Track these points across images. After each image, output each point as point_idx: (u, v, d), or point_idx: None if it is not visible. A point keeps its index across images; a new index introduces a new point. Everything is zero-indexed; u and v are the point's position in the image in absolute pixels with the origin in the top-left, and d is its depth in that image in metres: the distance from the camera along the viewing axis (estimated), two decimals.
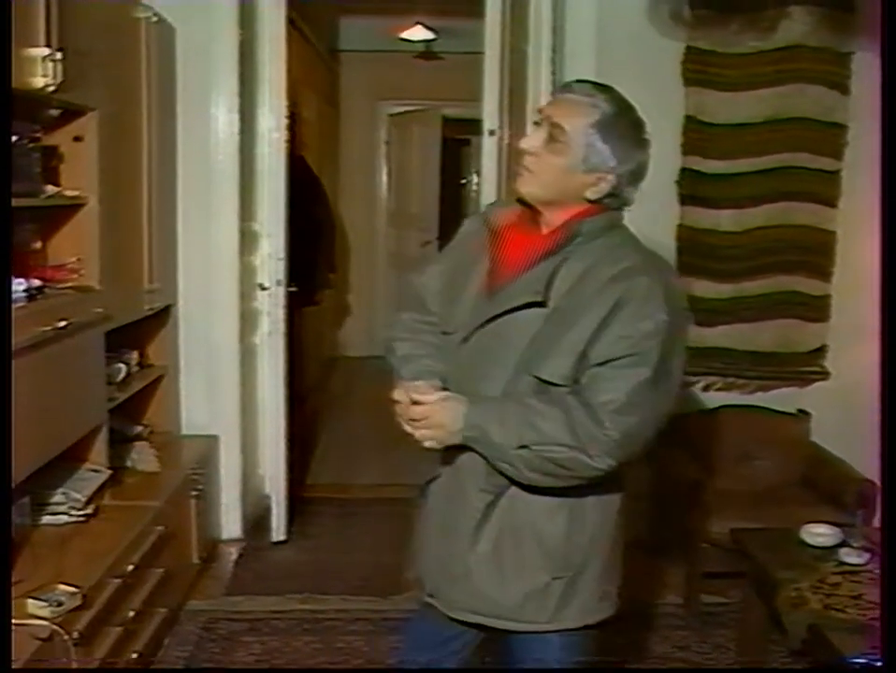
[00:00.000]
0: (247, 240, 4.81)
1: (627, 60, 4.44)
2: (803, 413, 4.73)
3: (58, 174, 3.43)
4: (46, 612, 2.70)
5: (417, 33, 8.61)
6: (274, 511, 4.85)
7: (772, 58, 4.58)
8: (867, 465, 3.98)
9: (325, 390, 8.40)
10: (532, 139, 2.14)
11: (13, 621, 2.54)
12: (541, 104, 4.55)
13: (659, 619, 4.09)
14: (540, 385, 2.07)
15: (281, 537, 4.86)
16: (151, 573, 3.55)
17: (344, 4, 8.20)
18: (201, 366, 4.79)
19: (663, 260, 2.23)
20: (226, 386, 4.80)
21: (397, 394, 2.20)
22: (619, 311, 1.99)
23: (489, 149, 4.55)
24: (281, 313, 4.77)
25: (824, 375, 4.83)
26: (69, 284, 3.42)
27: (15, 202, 2.82)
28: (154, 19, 4.11)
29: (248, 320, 4.89)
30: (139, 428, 4.36)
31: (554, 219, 2.16)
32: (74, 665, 2.76)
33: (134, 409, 4.31)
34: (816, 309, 4.78)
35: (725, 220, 4.66)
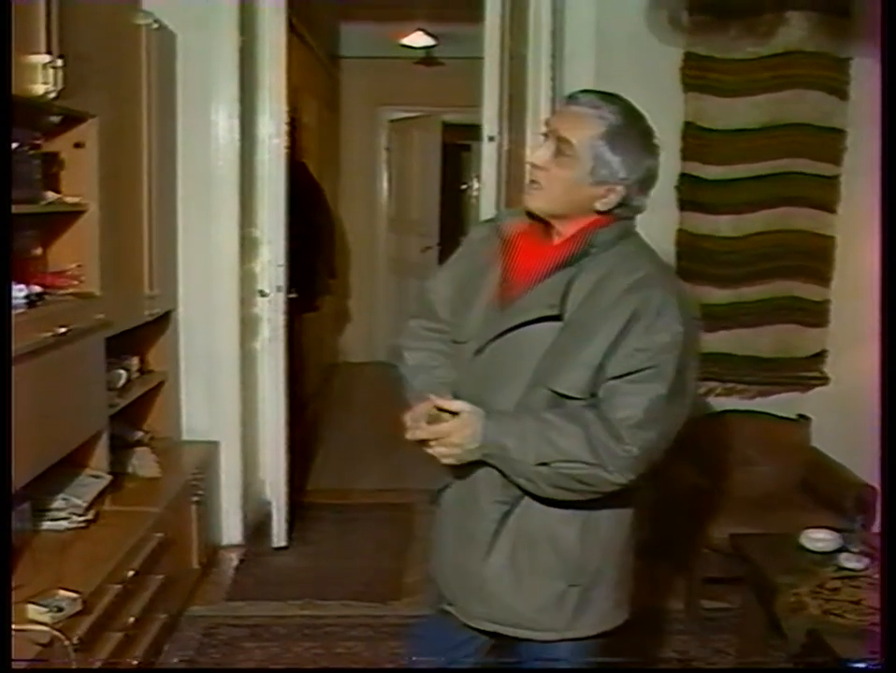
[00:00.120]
0: (247, 246, 4.82)
1: (626, 65, 4.45)
2: (803, 418, 4.73)
3: (58, 180, 3.44)
4: (46, 618, 2.70)
5: (418, 39, 8.64)
6: (274, 517, 4.85)
7: (770, 63, 4.58)
8: (867, 470, 3.98)
9: (326, 395, 8.40)
10: (540, 153, 2.12)
11: (14, 626, 2.54)
12: (541, 109, 4.68)
13: (660, 624, 4.09)
14: (555, 398, 2.07)
15: (282, 543, 4.86)
16: (151, 579, 3.55)
17: (345, 10, 8.22)
18: (201, 372, 4.79)
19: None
20: (227, 392, 4.81)
21: (415, 414, 2.17)
22: (635, 324, 1.99)
23: (489, 154, 4.55)
24: (281, 319, 4.77)
25: (824, 380, 4.83)
26: (70, 290, 3.43)
27: (16, 208, 2.83)
28: (155, 25, 4.11)
29: (248, 326, 4.89)
30: (140, 434, 4.37)
31: (565, 230, 2.16)
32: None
33: (134, 415, 4.31)
34: (815, 315, 4.77)
35: (724, 225, 4.66)
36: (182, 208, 4.65)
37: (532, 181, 2.15)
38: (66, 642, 2.70)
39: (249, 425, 4.97)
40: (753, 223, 4.66)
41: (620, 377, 2.00)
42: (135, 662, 3.32)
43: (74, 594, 2.84)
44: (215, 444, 4.78)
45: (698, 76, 4.60)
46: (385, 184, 9.95)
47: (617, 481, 2.02)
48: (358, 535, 5.15)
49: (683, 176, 4.62)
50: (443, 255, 8.60)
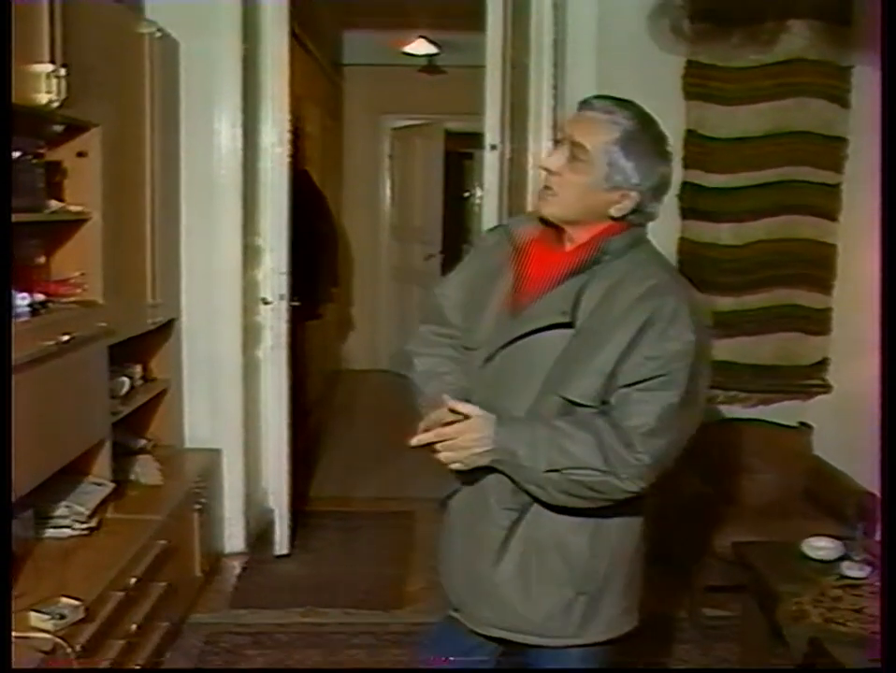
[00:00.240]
0: (250, 255, 4.83)
1: (627, 74, 4.44)
2: (805, 426, 4.73)
3: (62, 189, 3.46)
4: (49, 625, 2.71)
5: (420, 47, 8.66)
6: (277, 525, 4.85)
7: (772, 72, 4.59)
8: (869, 478, 3.98)
9: (329, 403, 8.41)
10: (554, 158, 2.12)
11: (17, 634, 2.55)
12: (543, 118, 4.69)
13: (661, 632, 4.09)
14: (566, 405, 2.06)
15: (284, 551, 4.86)
16: (153, 586, 3.55)
17: (347, 17, 8.25)
18: (204, 380, 4.80)
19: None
20: (229, 400, 4.82)
21: (429, 421, 2.16)
22: (647, 331, 1.99)
23: (491, 163, 4.56)
24: (283, 327, 4.77)
25: (826, 388, 4.83)
26: (73, 299, 3.44)
27: (19, 217, 2.84)
28: (158, 34, 4.13)
29: (251, 334, 4.90)
30: (143, 442, 4.37)
31: (578, 236, 2.15)
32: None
33: (137, 423, 4.32)
34: (817, 322, 4.78)
35: (726, 233, 4.67)
36: (185, 217, 4.65)
37: (546, 187, 2.14)
38: (69, 650, 2.71)
39: (251, 433, 4.97)
40: (755, 231, 4.67)
41: (632, 384, 2.00)
42: (137, 668, 3.33)
43: (76, 602, 2.85)
44: (218, 452, 4.79)
45: (699, 84, 4.61)
46: (388, 192, 9.96)
47: (629, 489, 2.02)
48: (360, 542, 5.15)
49: (684, 184, 4.62)
50: (446, 263, 8.69)
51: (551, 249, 2.20)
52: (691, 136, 4.61)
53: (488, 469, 2.12)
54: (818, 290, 4.75)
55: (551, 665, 2.30)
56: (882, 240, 2.70)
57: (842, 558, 3.40)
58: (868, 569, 3.27)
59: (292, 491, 4.92)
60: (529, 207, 4.65)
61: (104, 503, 3.57)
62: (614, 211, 2.11)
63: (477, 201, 11.29)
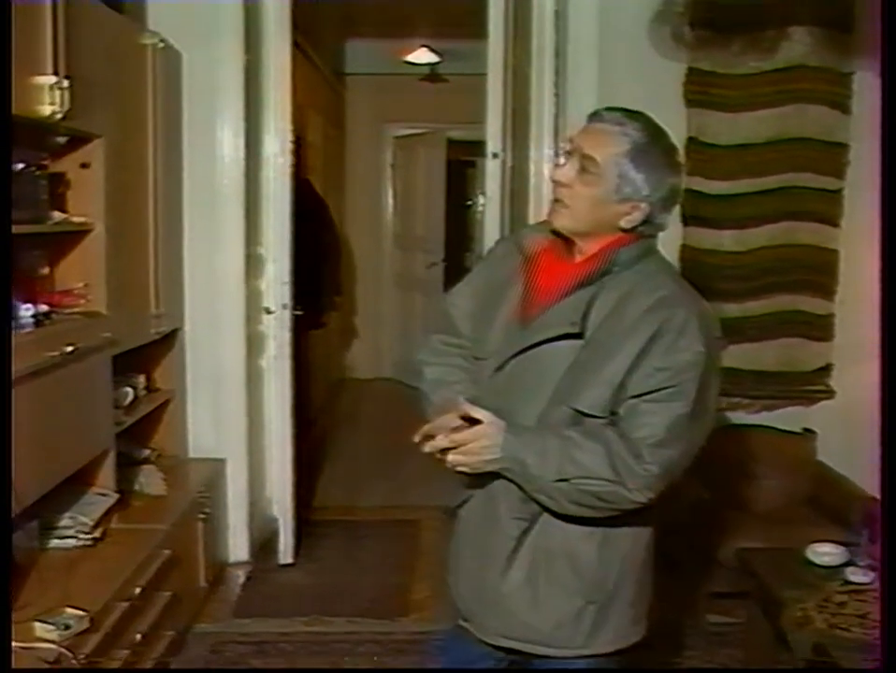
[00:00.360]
0: (253, 264, 4.84)
1: (628, 81, 4.46)
2: (809, 432, 4.72)
3: (65, 200, 3.46)
4: (53, 635, 2.71)
5: (422, 55, 8.68)
6: (281, 534, 4.85)
7: (773, 78, 4.59)
8: (873, 483, 3.97)
9: (333, 412, 8.41)
10: (565, 171, 2.12)
11: (21, 644, 2.55)
12: (545, 126, 4.69)
13: (665, 638, 4.08)
14: (575, 416, 2.07)
15: (289, 560, 4.86)
16: (158, 596, 3.55)
17: (349, 27, 8.26)
18: (208, 390, 4.80)
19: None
20: (233, 409, 4.82)
21: (439, 424, 2.16)
22: (656, 342, 1.99)
23: (493, 171, 4.56)
24: (287, 336, 4.78)
25: (829, 393, 4.82)
26: (77, 309, 3.45)
27: (23, 228, 2.85)
28: (161, 45, 4.15)
29: (254, 343, 4.91)
30: (147, 452, 4.37)
31: (588, 247, 2.16)
32: None
33: (141, 433, 4.32)
34: (819, 328, 4.78)
35: (728, 240, 4.67)
36: (188, 227, 4.67)
37: (556, 199, 2.15)
38: (74, 660, 2.71)
39: (255, 442, 4.97)
40: (757, 238, 4.67)
41: (641, 395, 2.00)
42: None
43: (81, 612, 2.85)
44: (222, 461, 4.79)
45: (701, 91, 4.62)
46: (391, 201, 9.98)
47: (637, 500, 2.02)
48: (365, 551, 5.15)
49: (686, 191, 4.60)
50: (449, 271, 8.70)
51: (561, 259, 2.20)
52: (693, 144, 4.60)
53: (497, 477, 2.13)
54: (821, 295, 4.75)
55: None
56: (883, 245, 2.70)
57: (846, 564, 3.40)
58: (872, 575, 3.27)
59: (296, 500, 4.92)
60: (531, 215, 4.67)
61: (108, 513, 3.58)
62: (624, 223, 2.11)
63: (479, 209, 11.32)
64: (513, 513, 2.17)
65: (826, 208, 4.68)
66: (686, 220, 4.65)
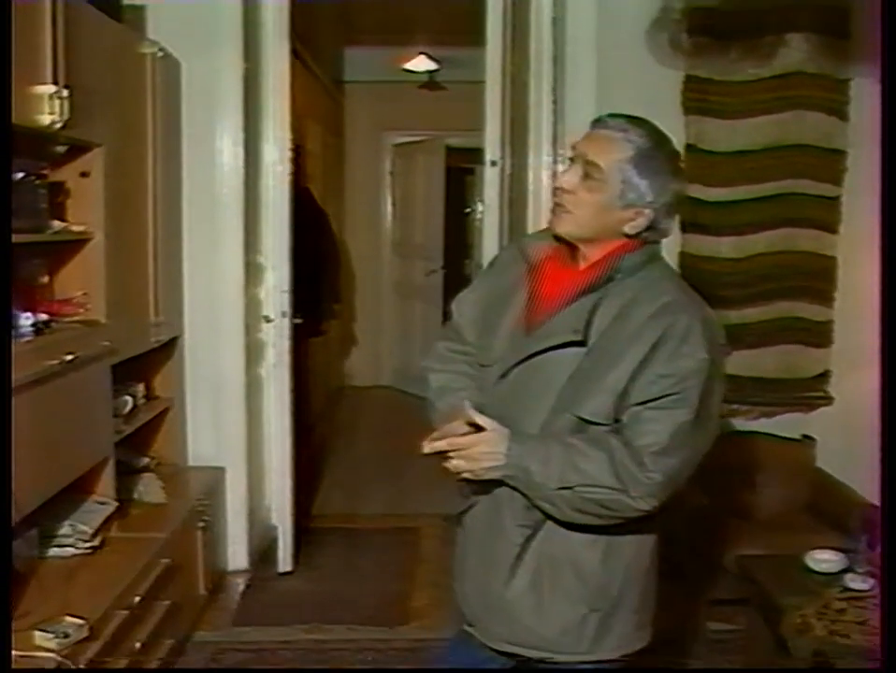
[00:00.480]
0: (252, 272, 4.84)
1: (626, 89, 4.46)
2: (808, 439, 4.73)
3: (65, 209, 3.47)
4: (53, 644, 2.71)
5: (421, 63, 8.70)
6: (280, 542, 4.84)
7: (771, 85, 4.60)
8: (872, 490, 3.97)
9: (332, 419, 8.41)
10: (568, 177, 2.13)
11: (21, 653, 2.55)
12: (543, 133, 4.69)
13: (665, 645, 4.07)
14: (579, 423, 2.07)
15: (288, 568, 4.85)
16: (157, 604, 3.55)
17: (348, 35, 8.28)
18: (207, 398, 4.80)
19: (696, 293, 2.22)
20: (232, 418, 4.82)
21: (446, 431, 2.15)
22: (659, 349, 1.99)
23: (492, 178, 4.57)
24: (286, 345, 4.78)
25: (828, 400, 4.82)
26: (76, 318, 3.45)
27: (22, 237, 2.86)
28: (160, 54, 4.15)
29: (253, 351, 4.91)
30: (146, 460, 4.37)
31: (592, 254, 2.16)
32: None
33: (140, 441, 4.32)
34: (818, 335, 4.78)
35: (726, 247, 4.67)
36: (187, 235, 4.67)
37: (559, 205, 2.15)
38: (73, 668, 2.71)
39: (255, 451, 4.97)
40: (755, 245, 4.67)
41: (644, 403, 2.00)
42: None
43: (80, 621, 2.85)
44: (221, 470, 4.79)
45: (698, 98, 4.62)
46: (389, 208, 9.98)
47: (640, 507, 2.02)
48: (365, 559, 5.15)
49: (684, 198, 4.62)
50: (448, 279, 8.71)
51: (565, 266, 2.21)
52: (691, 151, 4.60)
53: (501, 484, 2.13)
54: (819, 302, 4.76)
55: None
56: (882, 252, 2.71)
57: (845, 570, 3.40)
58: (872, 581, 3.27)
59: (295, 508, 4.92)
60: (530, 222, 4.67)
61: (107, 522, 3.58)
62: (627, 229, 2.12)
63: (478, 216, 11.32)
64: (517, 520, 2.17)
65: (824, 215, 4.69)
66: (685, 227, 4.64)
